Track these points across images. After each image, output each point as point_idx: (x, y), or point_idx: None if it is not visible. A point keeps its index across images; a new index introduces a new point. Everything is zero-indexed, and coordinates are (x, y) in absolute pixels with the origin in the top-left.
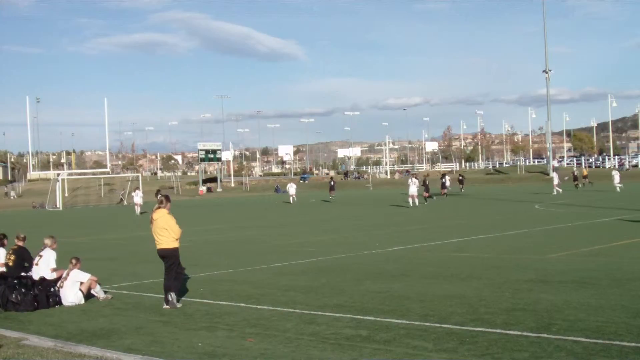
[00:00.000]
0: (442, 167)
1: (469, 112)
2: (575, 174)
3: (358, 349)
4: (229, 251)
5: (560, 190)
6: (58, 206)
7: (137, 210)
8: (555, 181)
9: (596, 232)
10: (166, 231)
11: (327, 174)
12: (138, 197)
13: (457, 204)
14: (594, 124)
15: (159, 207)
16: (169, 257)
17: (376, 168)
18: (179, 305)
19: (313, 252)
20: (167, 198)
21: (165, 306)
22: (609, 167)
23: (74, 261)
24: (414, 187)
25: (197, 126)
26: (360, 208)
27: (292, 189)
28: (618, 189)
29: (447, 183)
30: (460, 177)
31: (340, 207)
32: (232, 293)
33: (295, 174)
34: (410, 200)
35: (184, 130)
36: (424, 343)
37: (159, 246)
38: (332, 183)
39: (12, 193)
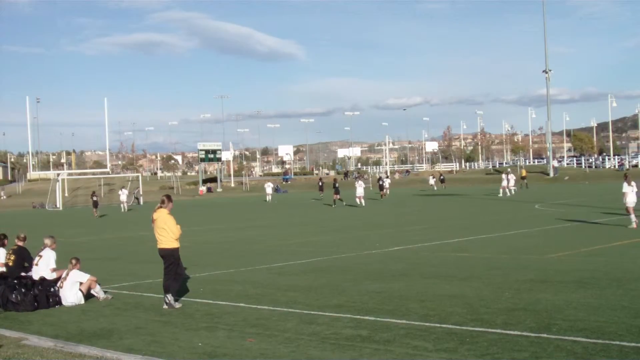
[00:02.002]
0: (442, 167)
1: (469, 112)
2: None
3: (358, 349)
4: (229, 251)
5: (513, 192)
6: (58, 206)
7: (123, 208)
8: (511, 182)
9: (596, 232)
10: (165, 231)
11: (327, 174)
12: (124, 196)
13: (457, 204)
14: (594, 124)
15: (160, 207)
16: (168, 257)
17: (376, 168)
18: (177, 305)
19: (313, 252)
20: (168, 198)
21: (165, 306)
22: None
23: (73, 261)
24: (361, 189)
25: (197, 126)
26: (360, 208)
27: (269, 188)
28: (513, 191)
29: (386, 185)
30: (442, 177)
31: (339, 207)
32: (232, 293)
33: (295, 174)
34: (358, 200)
35: (184, 130)
36: (424, 343)
37: (159, 246)
38: (321, 184)
39: (2, 193)
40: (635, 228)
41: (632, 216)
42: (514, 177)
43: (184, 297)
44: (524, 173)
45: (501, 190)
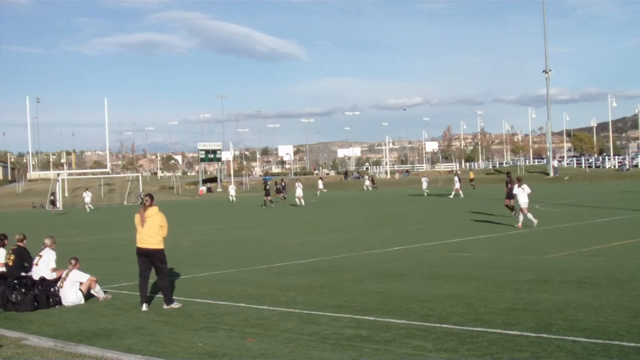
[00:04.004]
0: (441, 167)
1: (469, 112)
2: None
3: (358, 349)
4: (229, 251)
5: (462, 194)
6: (58, 206)
7: (88, 208)
8: (457, 185)
9: (596, 232)
10: (161, 229)
11: (327, 174)
12: (88, 198)
13: (458, 204)
14: (594, 124)
15: (149, 206)
16: (158, 258)
17: (376, 168)
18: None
19: (313, 252)
20: (152, 197)
21: (165, 306)
22: (454, 172)
23: (73, 261)
24: (299, 190)
25: (197, 126)
26: (360, 208)
27: (232, 190)
28: (425, 194)
29: (320, 186)
30: (371, 178)
31: (339, 207)
32: (232, 293)
33: (295, 173)
34: (297, 200)
35: (184, 130)
36: (424, 343)
37: (148, 246)
38: (276, 186)
39: None
40: (535, 225)
41: (529, 215)
42: (459, 180)
43: (184, 297)
44: (471, 175)
45: (453, 192)
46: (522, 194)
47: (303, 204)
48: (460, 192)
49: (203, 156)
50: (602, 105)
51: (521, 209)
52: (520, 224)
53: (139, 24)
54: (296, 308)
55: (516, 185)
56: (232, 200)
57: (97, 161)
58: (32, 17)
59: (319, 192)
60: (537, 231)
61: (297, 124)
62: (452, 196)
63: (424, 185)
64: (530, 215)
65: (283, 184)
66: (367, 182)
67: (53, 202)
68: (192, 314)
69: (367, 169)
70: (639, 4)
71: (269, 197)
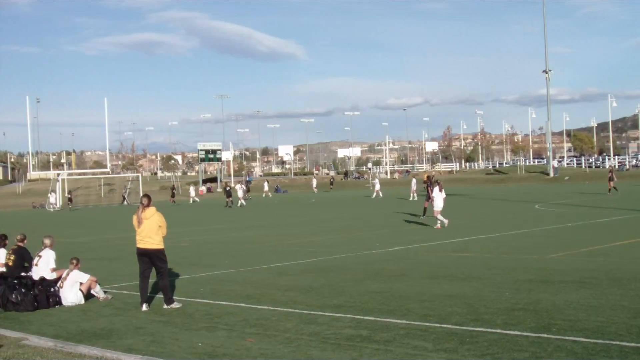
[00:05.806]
0: (442, 167)
1: (469, 112)
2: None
3: (358, 349)
4: (229, 251)
5: (416, 196)
6: (58, 206)
7: (52, 209)
8: (413, 187)
9: (596, 232)
10: (161, 229)
11: (327, 173)
12: (53, 198)
13: (458, 204)
14: (594, 124)
15: (147, 207)
16: (159, 258)
17: (376, 168)
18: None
19: (313, 252)
20: (149, 198)
21: (165, 306)
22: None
23: (74, 262)
24: (241, 192)
25: (197, 126)
26: (360, 208)
27: (192, 191)
28: (379, 194)
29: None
30: (332, 180)
31: (339, 207)
32: (232, 293)
33: (295, 174)
34: (240, 201)
35: (184, 130)
36: (424, 343)
37: (148, 246)
38: (229, 189)
39: None
40: (439, 229)
41: (440, 217)
42: (415, 182)
43: (184, 297)
44: (425, 177)
45: (411, 194)
46: (438, 197)
47: (245, 204)
48: (413, 194)
49: (203, 156)
50: (602, 105)
51: (434, 211)
52: (439, 226)
53: (139, 24)
54: (296, 308)
55: (436, 189)
56: (193, 202)
57: (97, 161)
58: (32, 17)
59: (264, 194)
60: (537, 231)
61: (297, 124)
62: (413, 199)
63: (377, 186)
64: (440, 217)
65: (228, 188)
66: (314, 183)
67: (70, 200)
68: (192, 314)
69: (369, 169)
70: (639, 4)
71: (230, 199)
